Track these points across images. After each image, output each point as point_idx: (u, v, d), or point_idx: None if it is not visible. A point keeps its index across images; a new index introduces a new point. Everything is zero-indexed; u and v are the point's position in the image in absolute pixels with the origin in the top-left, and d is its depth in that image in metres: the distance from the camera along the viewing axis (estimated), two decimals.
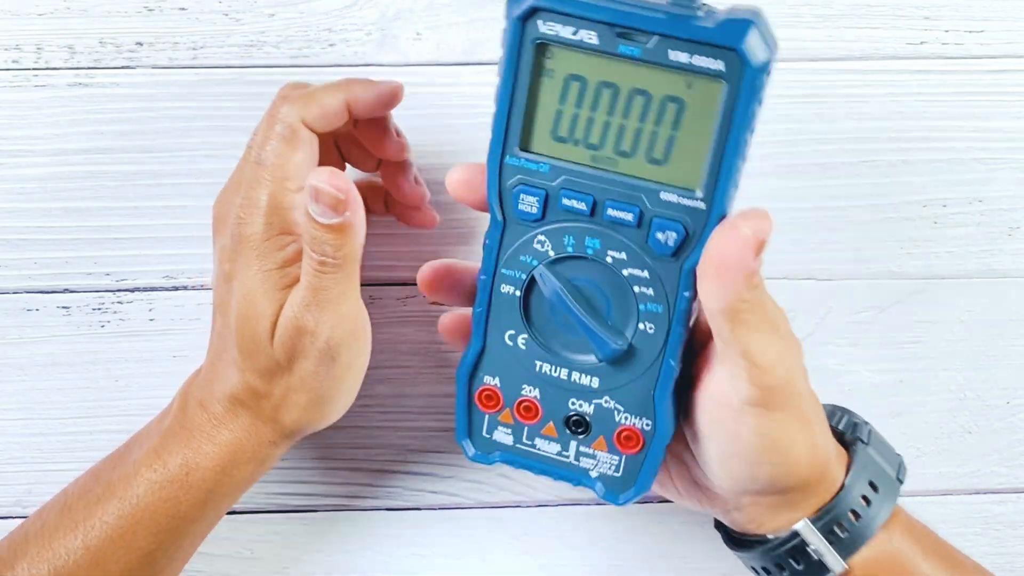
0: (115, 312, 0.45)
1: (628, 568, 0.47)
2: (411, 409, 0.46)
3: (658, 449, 0.34)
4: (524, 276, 0.33)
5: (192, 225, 0.44)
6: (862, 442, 0.36)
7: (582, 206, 0.31)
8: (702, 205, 0.30)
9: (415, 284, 0.45)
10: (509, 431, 0.35)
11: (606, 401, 0.34)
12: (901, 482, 0.36)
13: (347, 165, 0.42)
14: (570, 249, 0.32)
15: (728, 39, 0.27)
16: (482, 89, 0.45)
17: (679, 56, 0.28)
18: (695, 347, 0.34)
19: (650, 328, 0.32)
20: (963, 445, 0.47)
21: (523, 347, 0.34)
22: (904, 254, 0.46)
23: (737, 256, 0.29)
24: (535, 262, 0.33)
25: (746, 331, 0.30)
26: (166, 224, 0.45)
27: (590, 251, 0.32)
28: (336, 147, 0.41)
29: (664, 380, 0.33)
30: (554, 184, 0.31)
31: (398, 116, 0.40)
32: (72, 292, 0.45)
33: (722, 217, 0.30)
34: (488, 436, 0.36)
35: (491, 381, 0.35)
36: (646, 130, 0.30)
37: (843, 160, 0.45)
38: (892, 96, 0.45)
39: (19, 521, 0.39)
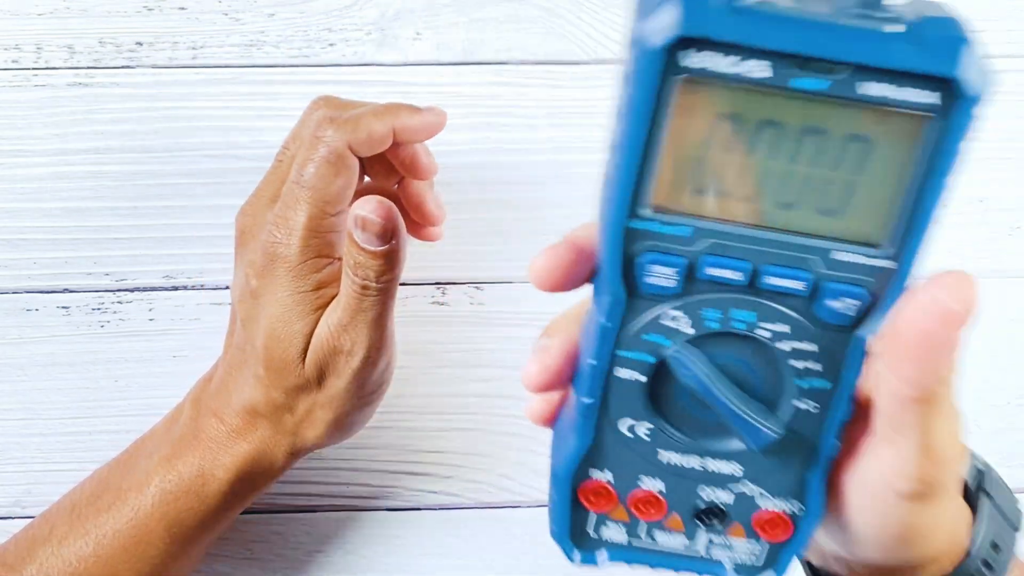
0: (115, 312, 0.45)
1: (628, 568, 0.47)
2: (411, 409, 0.46)
3: (806, 533, 0.28)
4: (651, 359, 0.26)
5: (192, 225, 0.44)
6: (986, 494, 0.32)
7: (737, 276, 0.24)
8: (891, 264, 0.24)
9: (415, 284, 0.45)
10: (623, 528, 0.29)
11: (747, 487, 0.28)
12: (1017, 530, 0.32)
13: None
14: (714, 325, 0.25)
15: (940, 65, 0.21)
16: (482, 89, 0.45)
17: (872, 88, 0.22)
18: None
19: (811, 407, 0.26)
20: None
21: (645, 437, 0.27)
22: None
23: (942, 335, 0.23)
24: (667, 342, 0.26)
25: (934, 420, 0.25)
26: (166, 224, 0.44)
27: (740, 326, 0.25)
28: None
29: (823, 460, 0.27)
30: (697, 249, 0.24)
31: None
32: (72, 292, 0.45)
33: (910, 273, 0.24)
34: (595, 535, 0.30)
35: (601, 476, 0.28)
36: (819, 175, 0.23)
37: None
38: None
39: (18, 521, 0.39)
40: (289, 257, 0.35)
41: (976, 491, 0.32)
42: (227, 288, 0.45)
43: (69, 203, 0.44)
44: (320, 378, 0.35)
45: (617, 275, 0.25)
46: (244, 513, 0.43)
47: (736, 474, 0.28)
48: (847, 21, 0.21)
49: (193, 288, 0.45)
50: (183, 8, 0.44)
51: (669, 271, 0.25)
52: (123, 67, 0.44)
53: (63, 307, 0.45)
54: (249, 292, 0.36)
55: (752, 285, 0.25)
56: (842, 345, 0.25)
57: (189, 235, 0.45)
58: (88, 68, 0.44)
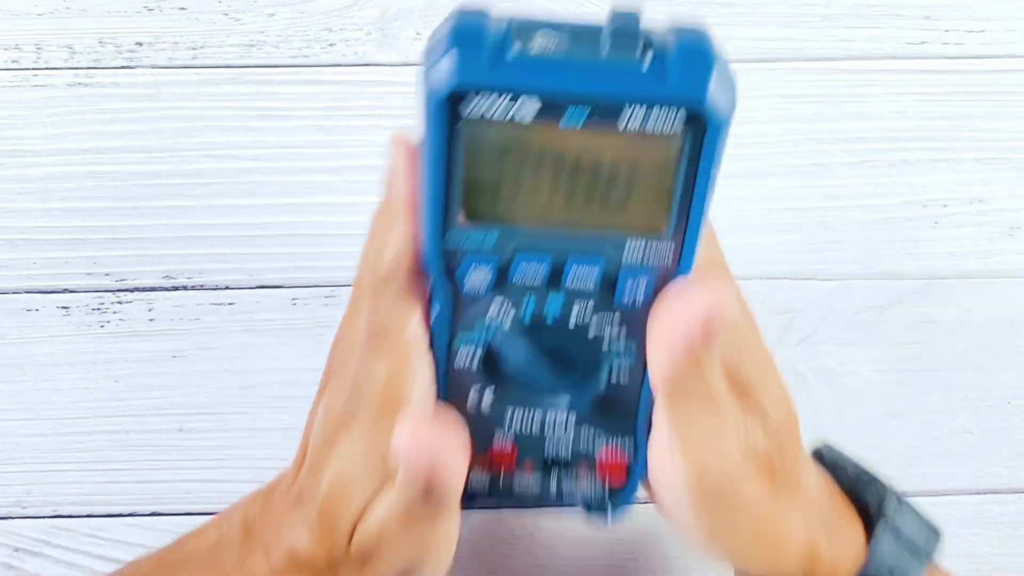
0: (115, 312, 0.45)
1: (627, 568, 0.47)
2: None
3: (642, 463, 0.32)
4: (482, 347, 0.30)
5: (192, 225, 0.44)
6: (884, 518, 0.32)
7: (542, 269, 0.28)
8: (670, 247, 0.27)
9: None
10: (485, 479, 0.33)
11: (585, 431, 0.32)
12: (930, 557, 0.32)
13: None
14: (530, 309, 0.29)
15: (689, 96, 0.24)
16: None
17: (627, 120, 0.25)
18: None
19: (624, 370, 0.30)
20: (963, 445, 0.47)
21: (489, 404, 0.31)
22: (904, 254, 0.46)
23: (683, 328, 0.26)
24: (492, 330, 0.30)
25: (683, 414, 0.27)
26: (166, 224, 0.45)
27: (552, 309, 0.29)
28: None
29: (644, 407, 0.31)
30: (507, 251, 0.28)
31: (399, 115, 0.40)
32: (72, 292, 0.45)
33: (693, 258, 0.28)
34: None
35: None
36: (601, 187, 0.27)
37: (843, 160, 0.45)
38: (892, 96, 0.45)
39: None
40: (365, 420, 0.31)
41: (876, 515, 0.32)
42: (227, 288, 0.45)
43: (69, 203, 0.44)
44: (362, 562, 0.32)
45: (443, 279, 0.28)
46: None
47: (573, 421, 0.31)
48: (602, 60, 0.24)
49: (193, 288, 0.45)
50: (183, 8, 0.44)
51: (485, 272, 0.28)
52: (123, 67, 0.44)
53: (63, 307, 0.45)
54: (324, 440, 0.33)
55: (558, 275, 0.28)
56: (643, 325, 0.29)
57: (189, 235, 0.45)
58: (88, 68, 0.44)
